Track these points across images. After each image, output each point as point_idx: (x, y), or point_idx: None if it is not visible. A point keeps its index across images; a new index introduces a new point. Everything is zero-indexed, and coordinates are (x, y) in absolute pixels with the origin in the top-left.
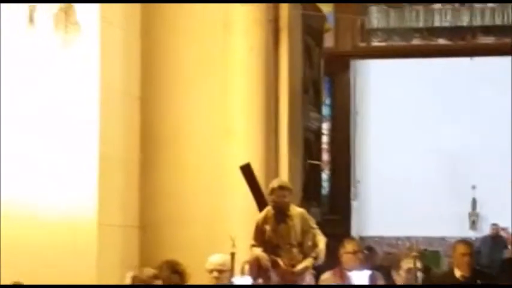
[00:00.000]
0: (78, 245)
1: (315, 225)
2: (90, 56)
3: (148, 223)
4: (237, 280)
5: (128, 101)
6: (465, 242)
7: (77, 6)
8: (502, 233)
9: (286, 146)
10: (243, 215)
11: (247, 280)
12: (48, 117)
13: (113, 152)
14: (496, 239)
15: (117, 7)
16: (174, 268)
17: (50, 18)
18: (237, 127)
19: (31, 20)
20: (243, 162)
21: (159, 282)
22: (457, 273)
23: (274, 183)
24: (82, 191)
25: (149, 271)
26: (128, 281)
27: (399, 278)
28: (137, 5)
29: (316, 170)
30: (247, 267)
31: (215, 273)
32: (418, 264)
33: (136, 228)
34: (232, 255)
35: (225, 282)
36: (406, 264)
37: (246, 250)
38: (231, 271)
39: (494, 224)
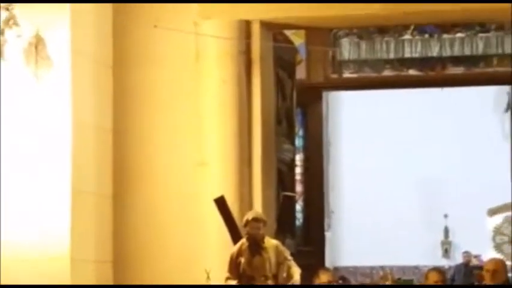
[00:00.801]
0: (52, 281)
1: (289, 257)
2: (61, 89)
3: (122, 258)
4: None
5: (100, 134)
6: (437, 270)
7: (48, 38)
8: (474, 261)
9: (259, 178)
10: (217, 248)
11: None
12: (20, 153)
13: (86, 186)
14: (469, 267)
15: (88, 38)
16: None
17: (21, 52)
18: (210, 159)
19: (1, 54)
20: (216, 194)
21: None
22: None
23: (249, 216)
24: (55, 226)
25: None
26: None
27: None
28: (109, 35)
29: (290, 202)
30: None
31: None
32: None
33: (109, 263)
34: None
35: None
36: None
37: (221, 283)
38: None
39: (465, 252)
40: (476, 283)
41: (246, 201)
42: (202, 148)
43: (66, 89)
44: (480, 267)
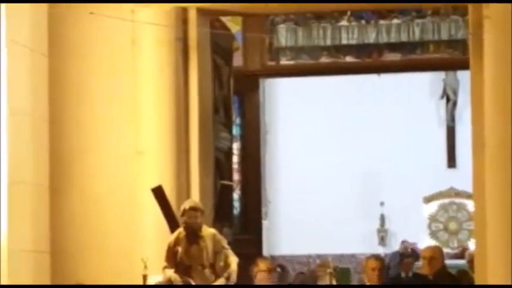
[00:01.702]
0: None
1: (227, 246)
2: None
3: (59, 248)
4: None
5: (37, 124)
6: (376, 257)
7: None
8: (410, 250)
9: (197, 167)
10: (155, 237)
11: None
12: None
13: (22, 176)
14: (405, 255)
15: (24, 27)
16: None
17: None
18: (147, 148)
19: None
20: (154, 183)
21: None
22: None
23: (186, 205)
24: None
25: None
26: None
27: None
28: (44, 23)
29: (228, 191)
30: None
31: None
32: (333, 281)
33: (47, 253)
34: (144, 277)
35: None
36: (321, 281)
37: (159, 272)
38: None
39: (403, 241)
40: (402, 273)
41: (184, 190)
42: (139, 137)
43: (2, 77)
44: (409, 256)
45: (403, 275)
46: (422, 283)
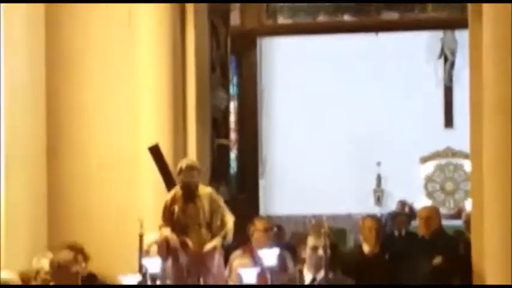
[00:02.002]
0: None
1: (223, 205)
2: None
3: (56, 209)
4: (146, 261)
5: (34, 86)
6: (372, 217)
7: None
8: (407, 209)
9: (194, 126)
10: (151, 196)
11: (156, 261)
12: None
13: (19, 148)
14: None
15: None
16: (76, 248)
17: None
18: (144, 108)
19: None
20: (151, 142)
21: (77, 266)
22: (366, 248)
23: (183, 163)
24: None
25: (68, 255)
26: (36, 264)
27: (306, 255)
28: None
29: (224, 150)
30: (154, 248)
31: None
32: (326, 241)
33: (44, 214)
34: (141, 236)
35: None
36: (312, 241)
37: (156, 231)
38: (140, 252)
39: (400, 201)
40: (395, 231)
41: (180, 150)
42: (136, 97)
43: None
44: (403, 214)
45: (396, 233)
46: (415, 241)
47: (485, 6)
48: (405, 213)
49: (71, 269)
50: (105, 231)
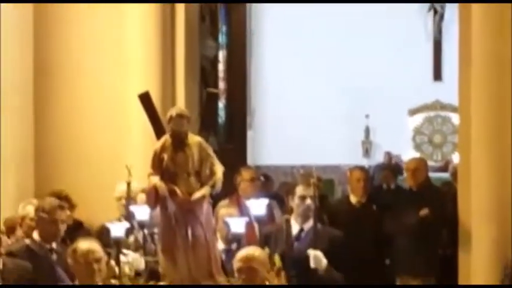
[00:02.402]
0: None
1: (212, 154)
2: None
3: (44, 154)
4: (135, 209)
5: (21, 33)
6: (361, 168)
7: None
8: (394, 160)
9: (183, 75)
10: (140, 145)
11: (145, 209)
12: None
13: (8, 84)
14: (389, 166)
15: None
16: (61, 195)
17: None
18: (133, 56)
19: None
20: (140, 91)
21: (62, 213)
22: (353, 199)
23: (173, 111)
24: None
25: (54, 201)
26: (21, 211)
27: (294, 205)
28: None
29: (213, 99)
30: (141, 195)
31: (122, 201)
32: (316, 192)
33: (31, 160)
34: (128, 184)
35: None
36: (300, 191)
37: (144, 179)
38: (128, 199)
39: (387, 152)
40: (384, 184)
41: (169, 98)
42: (125, 46)
43: None
44: (389, 167)
45: (384, 186)
46: (403, 193)
47: None
48: (392, 167)
49: (55, 215)
50: (94, 179)
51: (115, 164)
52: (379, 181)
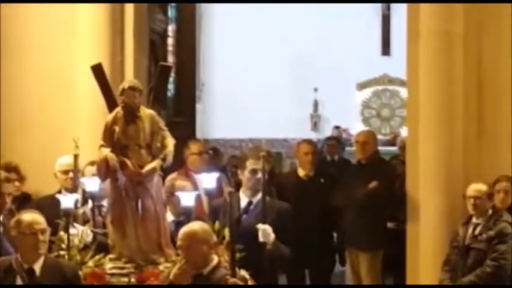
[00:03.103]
0: None
1: (164, 127)
2: None
3: None
4: (85, 181)
5: None
6: (308, 141)
7: None
8: (344, 134)
9: (132, 48)
10: (90, 117)
11: (95, 181)
12: None
13: None
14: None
15: None
16: (10, 167)
17: None
18: (82, 29)
19: None
20: (89, 63)
21: (10, 185)
22: (301, 172)
23: (125, 84)
24: None
25: (0, 174)
26: None
27: (244, 178)
28: None
29: (166, 73)
30: (89, 168)
31: (70, 174)
32: (266, 165)
33: None
34: (75, 156)
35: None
36: (251, 164)
37: (94, 152)
38: (75, 172)
39: (336, 127)
40: (328, 156)
41: (118, 71)
42: (74, 18)
43: None
44: (335, 139)
45: (328, 158)
46: (351, 166)
47: None
48: (336, 137)
49: (1, 188)
50: (41, 151)
51: (63, 136)
52: (324, 153)
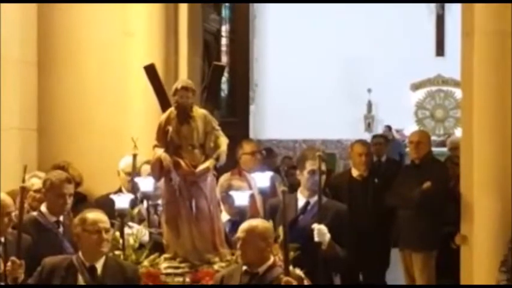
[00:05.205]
0: None
1: (217, 127)
2: None
3: (47, 126)
4: (139, 180)
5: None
6: (362, 142)
7: None
8: (396, 135)
9: (186, 48)
10: (144, 117)
11: (150, 181)
12: None
13: (10, 53)
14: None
15: None
16: (68, 167)
17: None
18: (136, 29)
19: None
20: (143, 63)
21: (70, 186)
22: (355, 172)
23: (178, 84)
24: None
25: (61, 174)
26: (26, 183)
27: (303, 178)
28: None
29: (219, 72)
30: (145, 167)
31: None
32: (323, 165)
33: (34, 131)
34: (134, 156)
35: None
36: (310, 165)
37: (150, 151)
38: (133, 172)
39: (386, 126)
40: (374, 156)
41: (172, 71)
42: (128, 18)
43: None
44: (381, 137)
45: (375, 159)
46: (394, 168)
47: None
48: (383, 135)
49: (63, 189)
50: (96, 151)
51: (118, 136)
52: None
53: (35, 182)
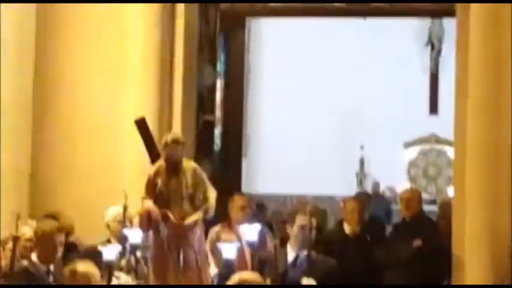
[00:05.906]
0: None
1: (206, 180)
2: None
3: (39, 172)
4: (128, 232)
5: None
6: (354, 198)
7: None
8: (387, 192)
9: (180, 101)
10: (135, 168)
11: (138, 232)
12: None
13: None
14: (377, 197)
15: None
16: (59, 217)
17: None
18: (131, 78)
19: None
20: (136, 114)
21: (61, 235)
22: (347, 229)
23: (168, 137)
24: None
25: (52, 223)
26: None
27: (293, 233)
28: None
29: (210, 126)
30: (135, 219)
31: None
32: (313, 221)
33: (27, 175)
34: (125, 208)
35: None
36: (301, 220)
37: (138, 203)
38: (123, 223)
39: (376, 183)
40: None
41: (165, 123)
42: (123, 68)
43: None
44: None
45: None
46: (377, 227)
47: None
48: (366, 192)
49: (54, 238)
50: (85, 198)
51: (109, 186)
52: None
53: (26, 231)
